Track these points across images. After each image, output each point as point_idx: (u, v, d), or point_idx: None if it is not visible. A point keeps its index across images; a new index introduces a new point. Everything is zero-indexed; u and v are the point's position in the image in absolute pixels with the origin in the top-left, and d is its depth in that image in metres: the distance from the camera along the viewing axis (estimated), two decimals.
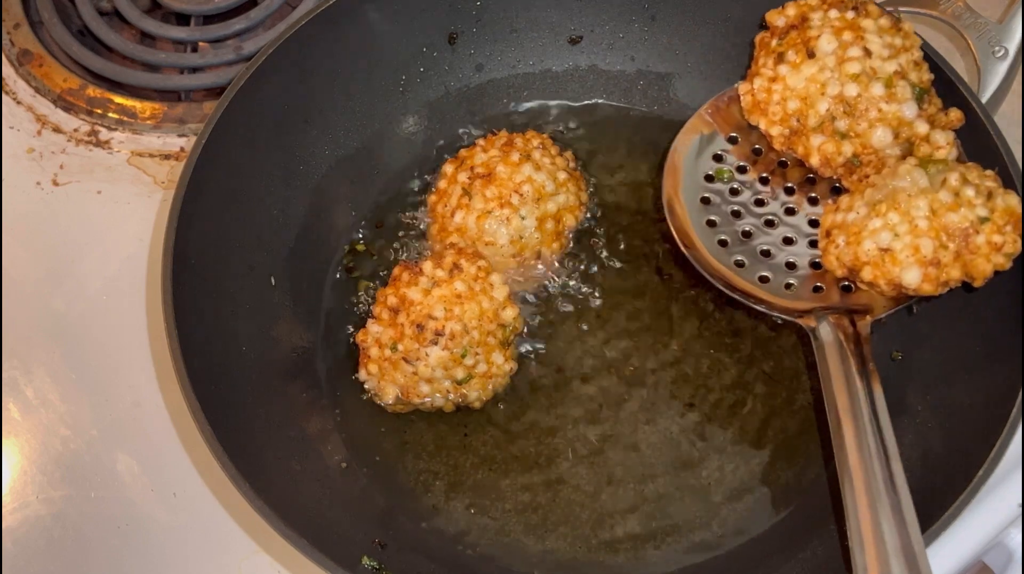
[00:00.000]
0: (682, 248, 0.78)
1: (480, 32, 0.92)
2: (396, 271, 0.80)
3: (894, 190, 0.71)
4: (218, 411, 0.68)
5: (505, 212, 0.82)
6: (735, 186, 0.82)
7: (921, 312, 0.79)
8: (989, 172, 0.71)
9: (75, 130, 0.97)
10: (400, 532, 0.75)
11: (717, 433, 0.80)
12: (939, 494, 0.66)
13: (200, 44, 1.03)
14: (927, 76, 0.77)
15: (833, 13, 0.77)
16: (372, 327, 0.79)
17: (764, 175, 0.82)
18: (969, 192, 0.68)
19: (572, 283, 0.86)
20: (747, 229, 0.80)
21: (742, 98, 0.81)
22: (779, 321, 0.82)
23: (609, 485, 0.78)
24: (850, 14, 0.77)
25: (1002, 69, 0.86)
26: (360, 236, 0.89)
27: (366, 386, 0.80)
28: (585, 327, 0.84)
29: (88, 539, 0.78)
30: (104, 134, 0.97)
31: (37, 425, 0.83)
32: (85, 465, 0.81)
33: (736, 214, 0.81)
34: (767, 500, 0.77)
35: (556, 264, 0.86)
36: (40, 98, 0.99)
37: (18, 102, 0.99)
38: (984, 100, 0.84)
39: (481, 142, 0.88)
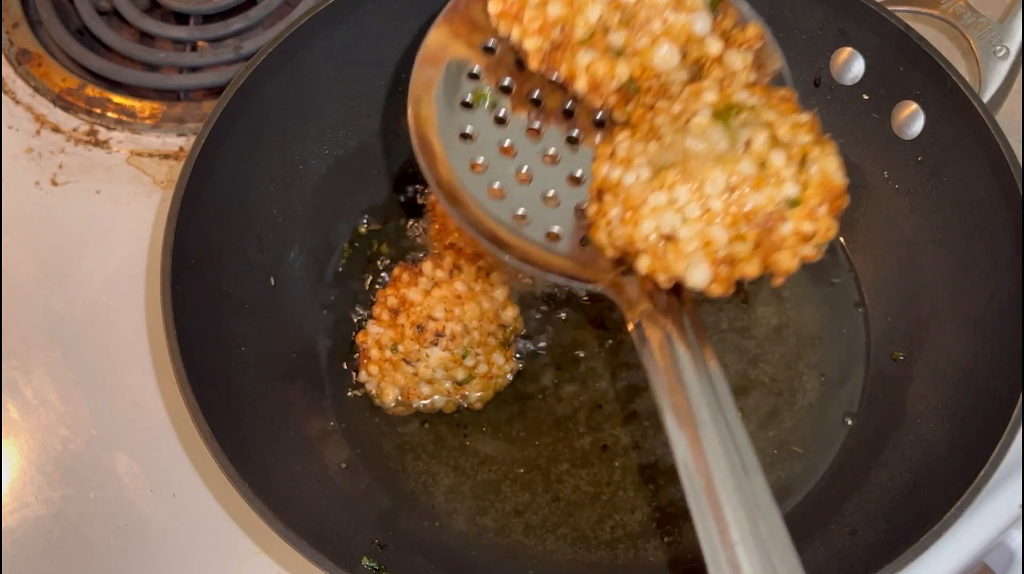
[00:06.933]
0: (446, 205, 0.61)
1: None
2: (396, 272, 0.80)
3: (686, 153, 0.54)
4: (218, 411, 0.68)
5: None
6: (500, 112, 0.64)
7: (922, 312, 0.79)
8: (805, 118, 0.56)
9: (74, 130, 0.97)
10: (400, 533, 0.75)
11: None
12: (940, 495, 0.66)
13: (199, 43, 1.03)
14: None
15: None
16: (372, 328, 0.79)
17: (534, 94, 0.64)
18: (777, 161, 0.53)
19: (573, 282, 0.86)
20: (524, 169, 0.63)
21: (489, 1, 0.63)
22: (584, 295, 0.68)
23: (609, 485, 0.78)
24: None
25: (1003, 69, 0.86)
26: (360, 236, 0.88)
27: (366, 387, 0.80)
28: (586, 327, 0.84)
29: (87, 539, 0.78)
30: (103, 134, 0.97)
31: (36, 425, 0.82)
32: (84, 465, 0.81)
33: (507, 150, 0.63)
34: None
35: None
36: (39, 97, 0.99)
37: (17, 102, 0.98)
38: (985, 100, 0.84)
39: None
